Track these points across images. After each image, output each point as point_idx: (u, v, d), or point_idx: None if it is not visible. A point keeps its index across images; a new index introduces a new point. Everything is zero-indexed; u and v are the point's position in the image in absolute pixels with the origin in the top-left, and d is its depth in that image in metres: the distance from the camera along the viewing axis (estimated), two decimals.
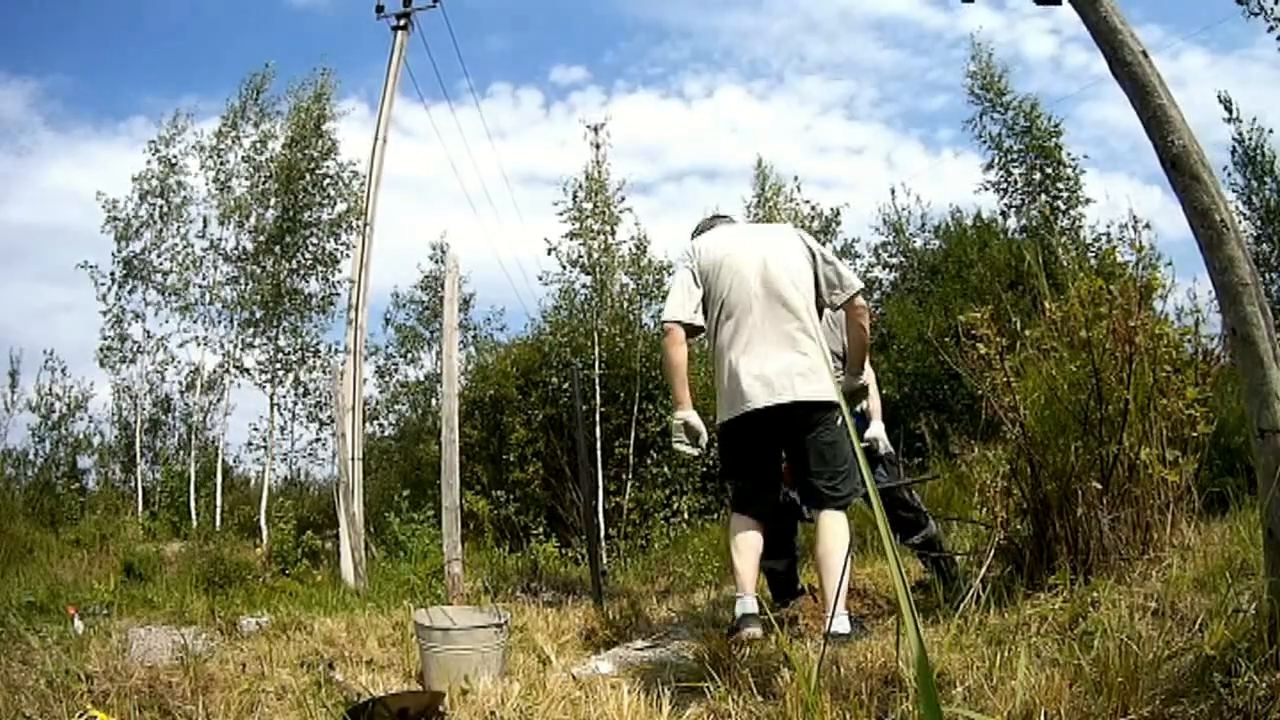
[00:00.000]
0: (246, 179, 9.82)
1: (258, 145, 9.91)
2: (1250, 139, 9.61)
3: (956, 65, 11.01)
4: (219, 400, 10.27)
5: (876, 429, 3.36)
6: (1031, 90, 13.39)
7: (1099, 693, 1.50)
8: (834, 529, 2.61)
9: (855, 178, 26.10)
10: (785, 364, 2.65)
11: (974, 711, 1.53)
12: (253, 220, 9.57)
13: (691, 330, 2.83)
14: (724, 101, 31.18)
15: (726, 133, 29.28)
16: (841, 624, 2.45)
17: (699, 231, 3.14)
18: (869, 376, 3.56)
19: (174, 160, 10.10)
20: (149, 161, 10.05)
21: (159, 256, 9.90)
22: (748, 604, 2.58)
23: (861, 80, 31.65)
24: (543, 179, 33.82)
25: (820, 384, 2.64)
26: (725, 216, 3.22)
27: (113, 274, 9.84)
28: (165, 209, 10.00)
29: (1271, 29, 8.38)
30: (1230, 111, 9.67)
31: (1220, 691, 1.38)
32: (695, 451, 2.83)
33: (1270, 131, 9.50)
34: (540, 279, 9.37)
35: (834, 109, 30.72)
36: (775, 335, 2.69)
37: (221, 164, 9.96)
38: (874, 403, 3.48)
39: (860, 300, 2.83)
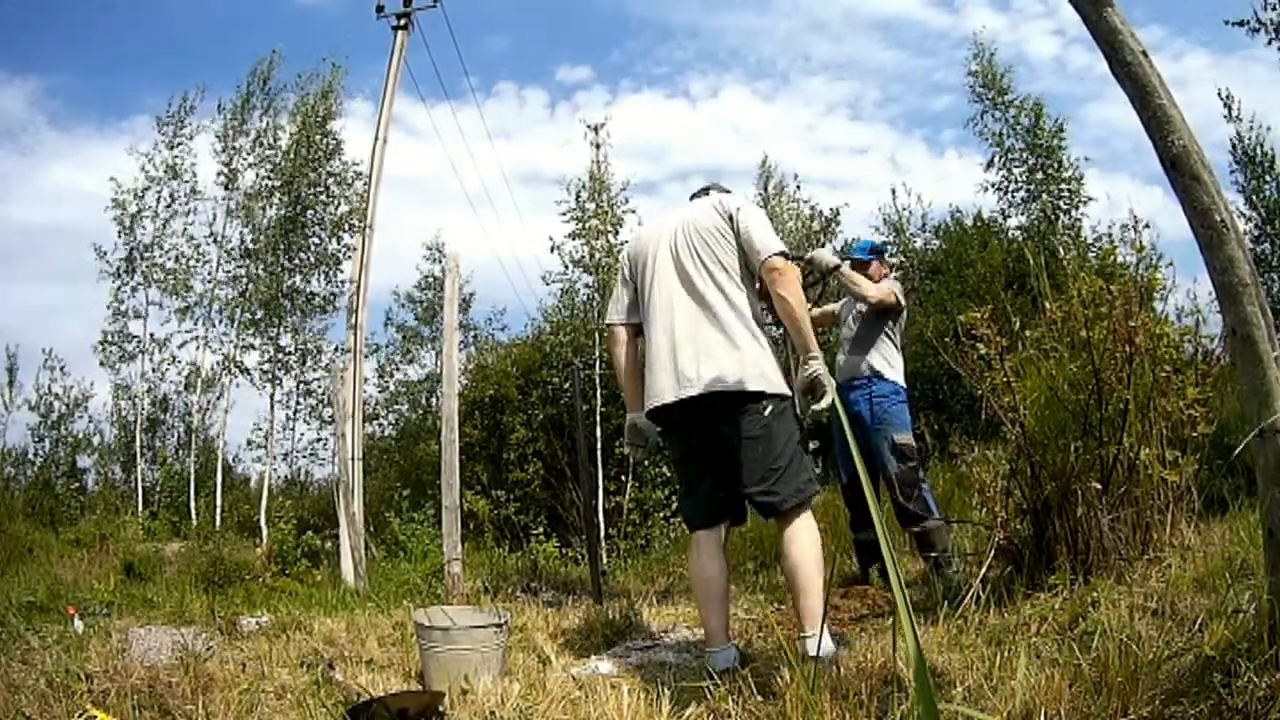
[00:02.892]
0: (253, 168, 9.86)
1: (262, 137, 9.93)
2: (1249, 138, 9.60)
3: (960, 66, 11.10)
4: (219, 399, 10.30)
5: (814, 366, 2.32)
6: (1034, 90, 13.38)
7: (1099, 693, 1.50)
8: (795, 539, 2.25)
9: (858, 178, 26.16)
10: (694, 350, 2.34)
11: (974, 711, 1.53)
12: (257, 217, 9.59)
13: (634, 330, 2.61)
14: (729, 101, 31.31)
15: (731, 133, 29.37)
16: (813, 646, 2.10)
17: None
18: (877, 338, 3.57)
19: (182, 141, 10.15)
20: (156, 144, 10.11)
21: (162, 253, 9.93)
22: (721, 658, 2.27)
23: (866, 81, 31.75)
24: (545, 178, 33.97)
25: (733, 368, 2.28)
26: (715, 186, 2.72)
27: (117, 270, 9.87)
28: (171, 198, 10.05)
29: (1270, 41, 8.33)
30: (1230, 109, 9.65)
31: (1220, 692, 1.38)
32: (642, 455, 2.66)
33: (1268, 129, 9.49)
34: (543, 279, 9.38)
35: (838, 109, 30.82)
36: (684, 319, 2.38)
37: (229, 154, 9.99)
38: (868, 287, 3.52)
39: (776, 262, 2.34)
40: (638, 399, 2.54)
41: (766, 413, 2.30)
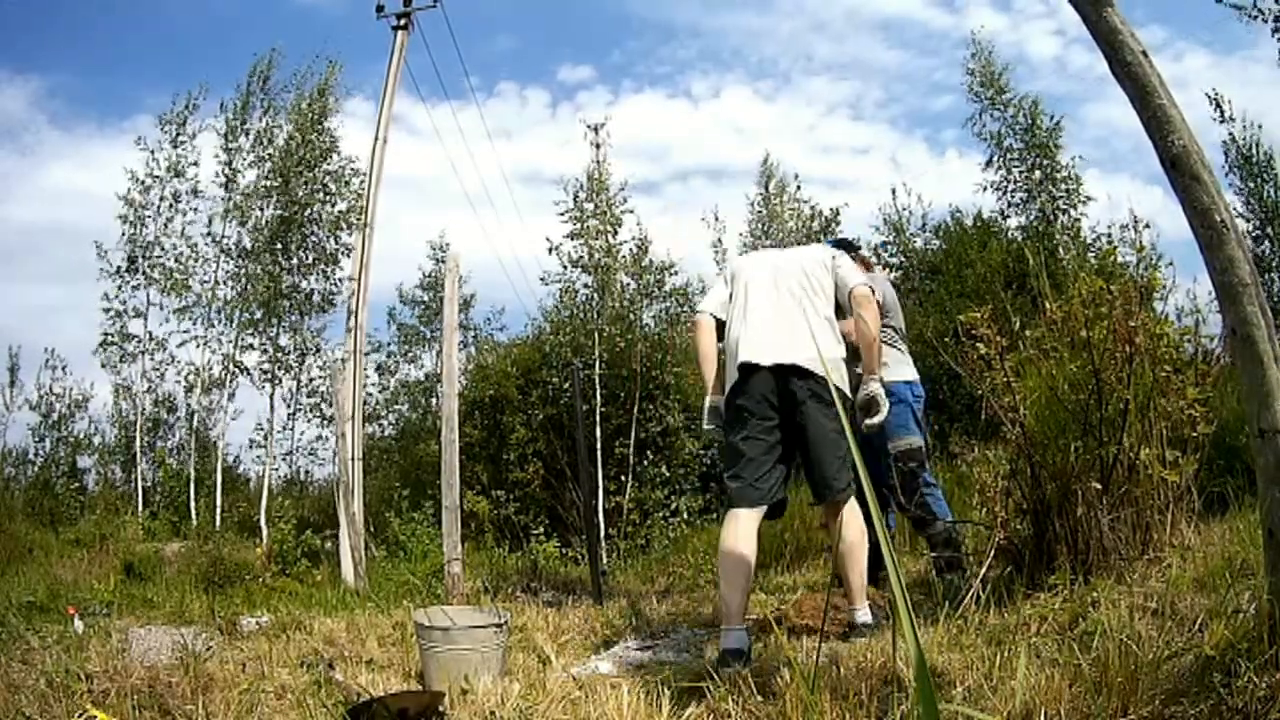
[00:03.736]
0: (253, 168, 9.86)
1: (262, 136, 9.93)
2: (1245, 139, 9.57)
3: (961, 66, 11.12)
4: (221, 399, 10.29)
5: (874, 386, 2.76)
6: (1035, 90, 13.34)
7: (1099, 693, 1.50)
8: (855, 523, 2.61)
9: (859, 178, 26.17)
10: (785, 335, 2.66)
11: (974, 711, 1.53)
12: (255, 215, 9.58)
13: (719, 324, 2.90)
14: (730, 101, 31.21)
15: (732, 133, 29.33)
16: (866, 615, 2.66)
17: None
18: (899, 363, 3.58)
19: (184, 139, 10.16)
20: (160, 141, 10.11)
21: (162, 253, 9.93)
22: (734, 637, 2.39)
23: (868, 81, 31.75)
24: (545, 178, 33.95)
25: (825, 356, 2.60)
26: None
27: (118, 268, 9.87)
28: (174, 196, 10.05)
29: (1275, 31, 8.28)
30: (1221, 111, 9.60)
31: (1220, 692, 1.38)
32: (720, 435, 2.87)
33: (1260, 127, 9.46)
34: (542, 279, 9.36)
35: (839, 109, 30.82)
36: (780, 317, 2.72)
37: (230, 153, 9.99)
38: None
39: (863, 290, 2.76)
40: (717, 383, 2.85)
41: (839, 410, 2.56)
